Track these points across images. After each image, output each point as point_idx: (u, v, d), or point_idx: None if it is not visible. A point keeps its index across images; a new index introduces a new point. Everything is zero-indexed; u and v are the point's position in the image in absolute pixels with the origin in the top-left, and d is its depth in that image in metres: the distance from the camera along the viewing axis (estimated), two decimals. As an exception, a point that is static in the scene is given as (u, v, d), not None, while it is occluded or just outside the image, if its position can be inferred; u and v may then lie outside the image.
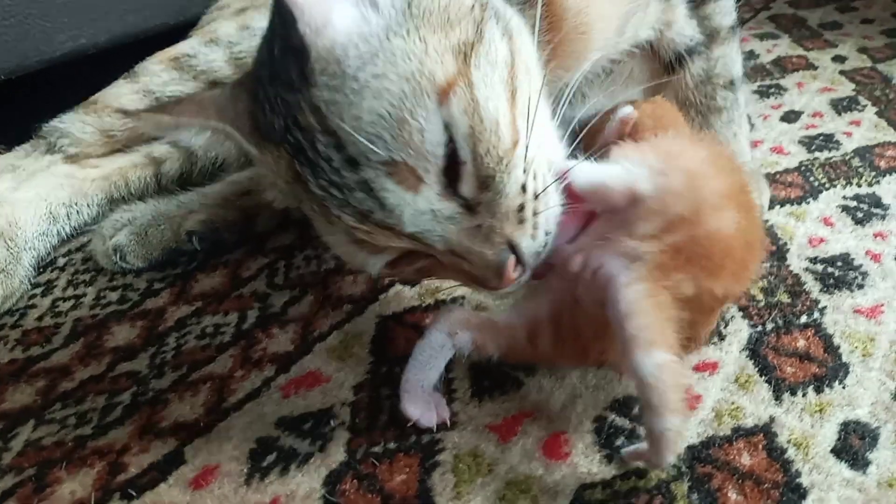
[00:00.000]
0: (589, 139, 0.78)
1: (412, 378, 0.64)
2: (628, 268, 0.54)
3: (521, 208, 0.57)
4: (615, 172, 0.56)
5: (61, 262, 0.96)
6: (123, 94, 1.03)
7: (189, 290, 0.87)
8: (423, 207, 0.55)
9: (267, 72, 0.60)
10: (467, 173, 0.56)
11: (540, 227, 0.58)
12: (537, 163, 0.59)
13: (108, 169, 1.02)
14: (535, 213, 0.58)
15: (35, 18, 1.07)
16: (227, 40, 1.05)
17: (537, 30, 0.70)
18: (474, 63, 0.56)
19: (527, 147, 0.58)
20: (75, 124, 1.02)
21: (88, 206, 1.00)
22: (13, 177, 0.98)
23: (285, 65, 0.58)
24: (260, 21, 1.03)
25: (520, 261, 0.57)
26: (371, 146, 0.53)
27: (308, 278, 0.87)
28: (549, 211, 0.59)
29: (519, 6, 0.71)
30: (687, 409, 0.51)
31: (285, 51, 0.57)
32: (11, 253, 0.88)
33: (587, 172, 0.57)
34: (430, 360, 0.64)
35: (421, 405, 0.64)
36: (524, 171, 0.58)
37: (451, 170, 0.55)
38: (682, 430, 0.51)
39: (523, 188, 0.58)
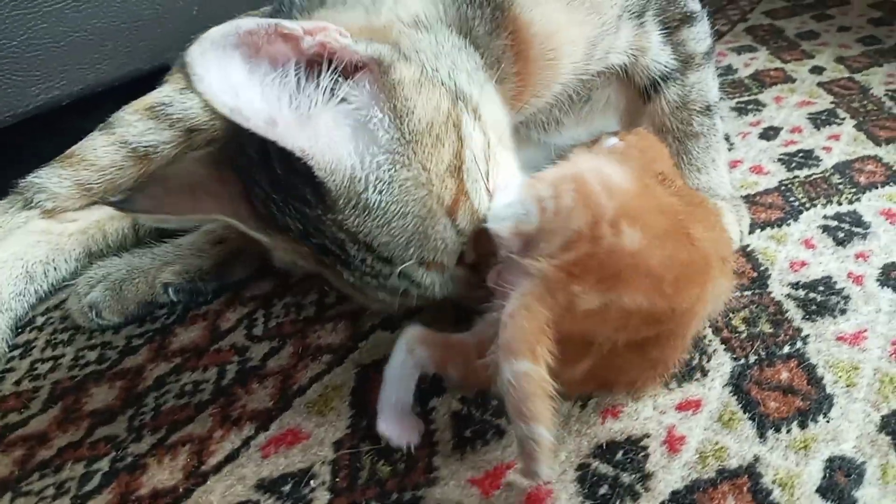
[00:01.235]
0: None
1: (385, 399, 0.67)
2: (521, 284, 0.57)
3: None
4: (505, 217, 0.62)
5: (39, 321, 0.95)
6: (99, 146, 1.02)
7: (168, 345, 0.86)
8: (447, 278, 0.68)
9: (263, 173, 0.64)
10: (469, 251, 0.68)
11: None
12: None
13: (85, 222, 1.01)
14: None
15: (5, 74, 1.06)
16: None
17: (504, 61, 0.72)
18: (465, 172, 0.64)
19: None
20: (52, 179, 1.01)
21: (66, 261, 0.99)
22: (-9, 235, 0.98)
23: (293, 182, 0.63)
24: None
25: None
26: (404, 253, 0.64)
27: (287, 328, 0.86)
28: None
29: (486, 35, 0.72)
30: (552, 421, 0.52)
31: (291, 170, 0.62)
32: (-12, 316, 0.88)
33: (495, 217, 0.64)
34: (398, 379, 0.67)
35: (395, 425, 0.67)
36: None
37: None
38: (547, 442, 0.52)
39: None
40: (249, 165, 0.65)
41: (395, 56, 0.64)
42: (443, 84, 0.66)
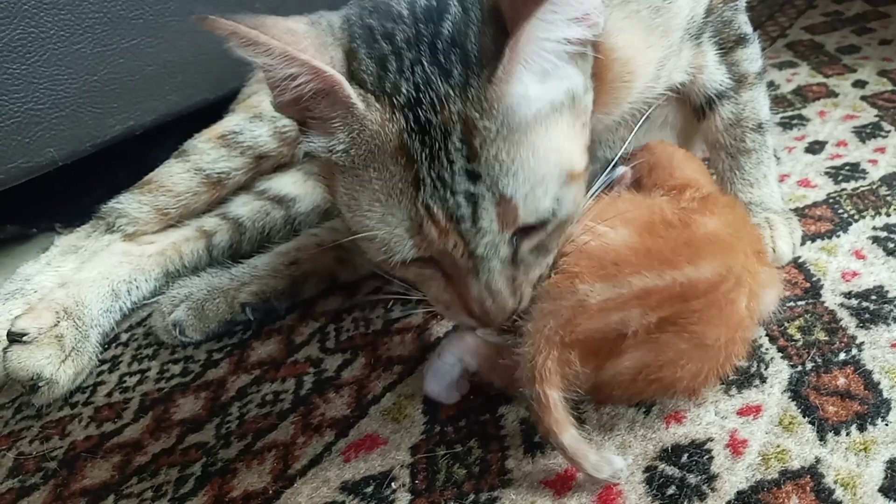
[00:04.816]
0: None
1: (427, 388, 0.76)
2: (528, 314, 0.66)
3: (540, 278, 0.68)
4: None
5: (124, 337, 1.01)
6: (176, 173, 1.09)
7: (246, 359, 0.92)
8: (496, 241, 0.62)
9: (411, 31, 0.62)
10: (537, 238, 0.65)
11: None
12: None
13: (162, 244, 1.08)
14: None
15: (87, 106, 1.13)
16: (270, 114, 1.10)
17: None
18: (586, 161, 0.67)
19: None
20: (132, 204, 1.08)
21: (146, 280, 1.05)
22: (76, 257, 1.05)
23: (448, 54, 0.60)
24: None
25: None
26: (503, 181, 0.60)
27: (358, 340, 0.91)
28: None
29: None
30: (573, 427, 0.63)
31: (454, 44, 0.60)
32: (80, 331, 0.94)
33: None
34: (445, 374, 0.75)
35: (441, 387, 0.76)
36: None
37: (531, 228, 0.64)
38: (576, 446, 0.62)
39: (548, 265, 0.69)
40: (389, 21, 0.63)
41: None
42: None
